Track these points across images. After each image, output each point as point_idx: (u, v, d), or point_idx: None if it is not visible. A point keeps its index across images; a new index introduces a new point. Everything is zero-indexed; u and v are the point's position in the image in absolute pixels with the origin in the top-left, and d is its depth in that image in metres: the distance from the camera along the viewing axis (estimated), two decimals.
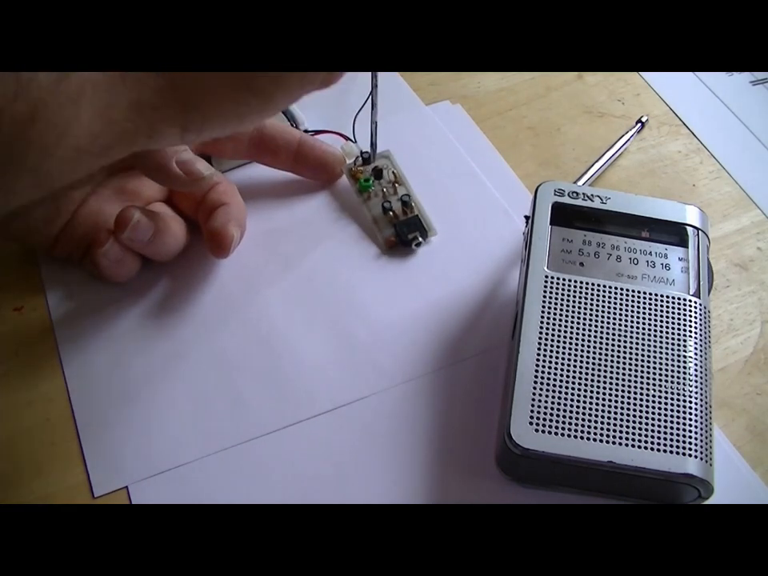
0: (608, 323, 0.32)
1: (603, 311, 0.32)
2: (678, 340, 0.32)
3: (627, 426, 0.30)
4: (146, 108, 0.24)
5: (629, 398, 0.30)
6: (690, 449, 0.29)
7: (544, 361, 0.31)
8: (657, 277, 0.34)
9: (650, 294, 0.33)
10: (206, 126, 0.27)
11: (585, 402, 0.30)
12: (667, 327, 0.32)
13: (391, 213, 0.40)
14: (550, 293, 0.33)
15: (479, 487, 0.32)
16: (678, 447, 0.29)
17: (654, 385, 0.31)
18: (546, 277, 0.33)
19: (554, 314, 0.32)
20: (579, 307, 0.33)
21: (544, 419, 0.30)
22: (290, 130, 0.41)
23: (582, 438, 0.29)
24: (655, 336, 0.32)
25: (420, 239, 0.40)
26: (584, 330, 0.32)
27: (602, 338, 0.32)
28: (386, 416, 0.34)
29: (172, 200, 0.39)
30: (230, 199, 0.38)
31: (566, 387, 0.30)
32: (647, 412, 0.30)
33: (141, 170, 0.34)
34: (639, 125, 0.46)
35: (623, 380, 0.31)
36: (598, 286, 0.33)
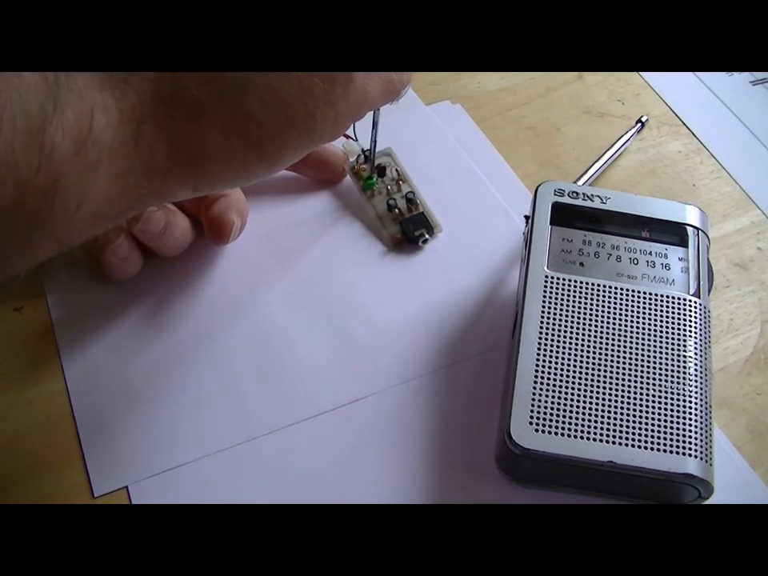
0: (608, 323, 0.32)
1: (603, 311, 0.32)
2: (678, 340, 0.32)
3: (627, 426, 0.30)
4: (157, 173, 0.26)
5: (629, 398, 0.30)
6: (690, 449, 0.29)
7: (544, 361, 0.31)
8: (657, 277, 0.34)
9: (650, 293, 0.33)
10: (216, 184, 0.28)
11: (585, 402, 0.30)
12: (667, 327, 0.32)
13: (396, 210, 0.41)
14: (550, 293, 0.33)
15: (479, 487, 0.32)
16: (678, 447, 0.29)
17: (654, 385, 0.31)
18: (546, 277, 0.33)
19: (554, 314, 0.32)
20: (579, 307, 0.33)
21: (544, 419, 0.30)
22: None
23: (582, 437, 0.29)
24: (655, 336, 0.32)
25: (427, 236, 0.40)
26: (584, 329, 0.32)
27: (601, 337, 0.32)
28: (386, 416, 0.34)
29: None
30: (230, 191, 0.38)
31: (566, 387, 0.30)
32: (647, 412, 0.30)
33: None
34: (639, 125, 0.46)
35: (623, 380, 0.31)
36: (598, 285, 0.33)
